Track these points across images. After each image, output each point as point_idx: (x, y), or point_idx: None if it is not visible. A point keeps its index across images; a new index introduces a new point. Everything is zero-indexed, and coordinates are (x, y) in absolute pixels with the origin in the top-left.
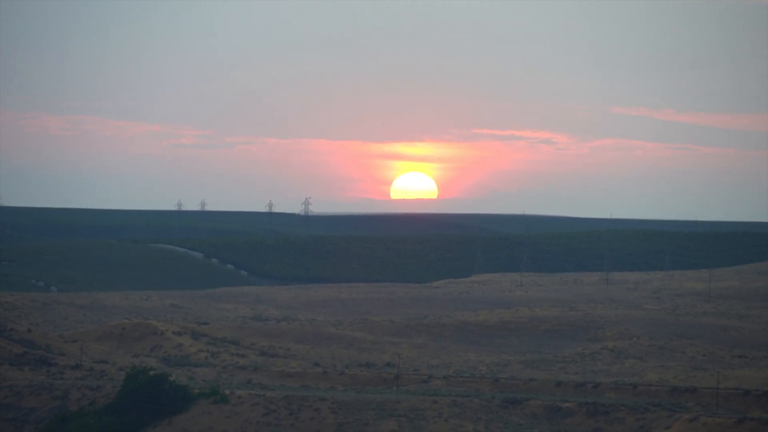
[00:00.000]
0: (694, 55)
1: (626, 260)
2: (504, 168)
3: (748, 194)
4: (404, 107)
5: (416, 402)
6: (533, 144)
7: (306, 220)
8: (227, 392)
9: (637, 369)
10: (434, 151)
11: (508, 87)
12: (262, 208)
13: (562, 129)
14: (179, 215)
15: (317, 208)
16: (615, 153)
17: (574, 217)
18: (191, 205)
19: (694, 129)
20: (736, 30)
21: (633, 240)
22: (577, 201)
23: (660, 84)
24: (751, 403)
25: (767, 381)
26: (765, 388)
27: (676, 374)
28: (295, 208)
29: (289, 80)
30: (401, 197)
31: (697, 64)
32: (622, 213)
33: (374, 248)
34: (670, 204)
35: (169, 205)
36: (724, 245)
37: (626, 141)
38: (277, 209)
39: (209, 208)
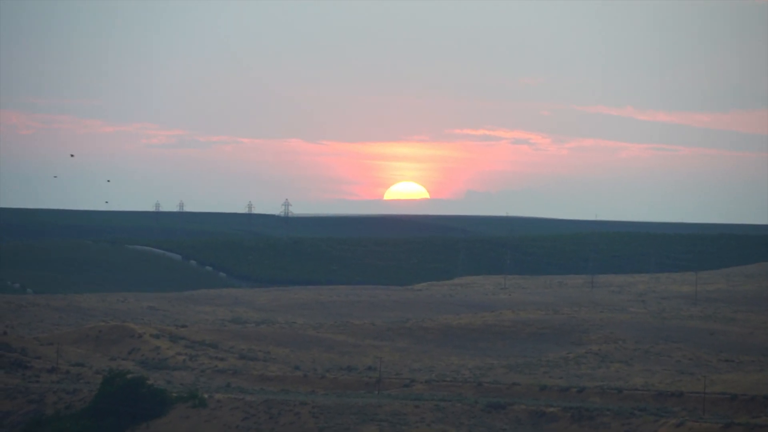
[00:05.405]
0: (672, 55)
1: (611, 263)
2: (487, 169)
3: (735, 195)
4: (384, 108)
5: (398, 406)
6: (515, 143)
7: (286, 221)
8: (206, 396)
9: (622, 373)
10: (422, 152)
11: (485, 87)
12: (241, 209)
13: (539, 129)
14: (157, 216)
15: (301, 210)
16: (595, 154)
17: (558, 219)
18: (169, 206)
19: (675, 129)
20: (713, 28)
21: (618, 242)
22: (560, 202)
23: (640, 84)
24: (738, 408)
25: (754, 385)
26: (752, 393)
27: (662, 378)
28: (276, 209)
29: (274, 82)
30: (394, 197)
31: (676, 63)
32: (607, 215)
33: (355, 250)
34: (656, 205)
35: (146, 206)
36: (710, 248)
37: (606, 142)
38: (257, 210)
39: (187, 209)
